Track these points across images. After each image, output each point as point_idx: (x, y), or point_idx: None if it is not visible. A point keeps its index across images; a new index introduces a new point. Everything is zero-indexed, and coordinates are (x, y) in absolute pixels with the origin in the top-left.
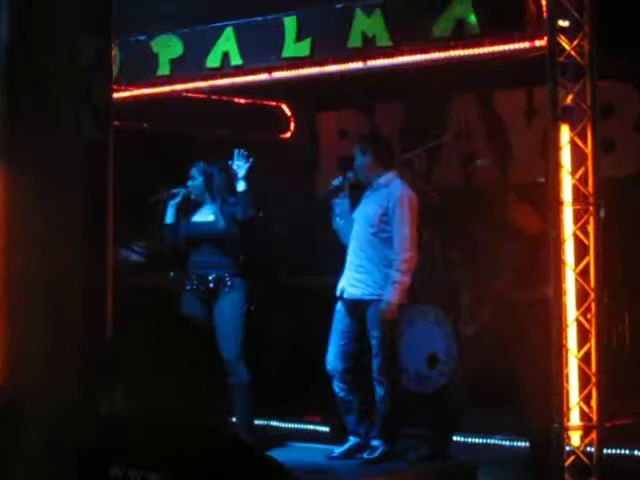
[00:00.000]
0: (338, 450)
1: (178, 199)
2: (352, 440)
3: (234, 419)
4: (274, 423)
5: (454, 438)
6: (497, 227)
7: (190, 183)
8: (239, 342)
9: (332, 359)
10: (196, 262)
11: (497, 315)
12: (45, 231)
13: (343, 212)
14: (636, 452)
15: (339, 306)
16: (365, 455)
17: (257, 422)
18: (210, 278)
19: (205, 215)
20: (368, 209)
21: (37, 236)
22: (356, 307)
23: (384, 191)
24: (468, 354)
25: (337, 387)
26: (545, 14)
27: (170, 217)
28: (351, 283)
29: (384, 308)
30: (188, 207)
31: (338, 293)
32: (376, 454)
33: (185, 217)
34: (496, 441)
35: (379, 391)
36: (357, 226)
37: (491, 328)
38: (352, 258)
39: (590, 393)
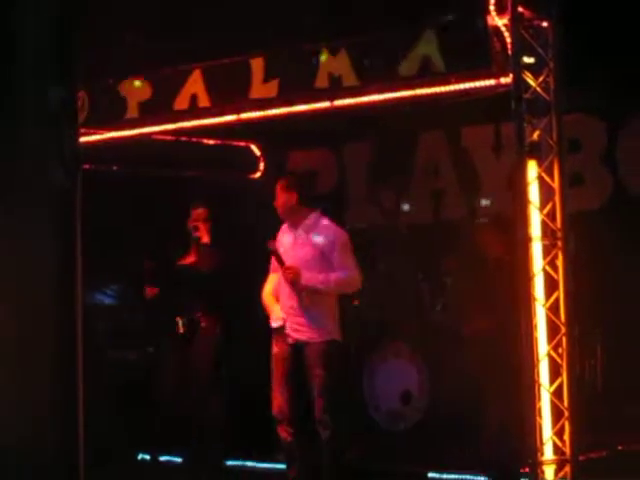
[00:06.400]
0: None
1: None
2: None
3: None
4: (249, 464)
5: (429, 475)
6: (466, 261)
7: None
8: None
9: (281, 404)
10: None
11: (468, 351)
12: (12, 281)
13: None
14: None
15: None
16: None
17: (231, 463)
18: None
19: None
20: (303, 252)
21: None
22: (298, 349)
23: (316, 232)
24: (442, 390)
25: (284, 432)
26: (510, 51)
27: None
28: (294, 328)
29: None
30: None
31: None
32: None
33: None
34: (470, 477)
35: (325, 434)
36: None
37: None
38: (291, 302)
39: (563, 427)
